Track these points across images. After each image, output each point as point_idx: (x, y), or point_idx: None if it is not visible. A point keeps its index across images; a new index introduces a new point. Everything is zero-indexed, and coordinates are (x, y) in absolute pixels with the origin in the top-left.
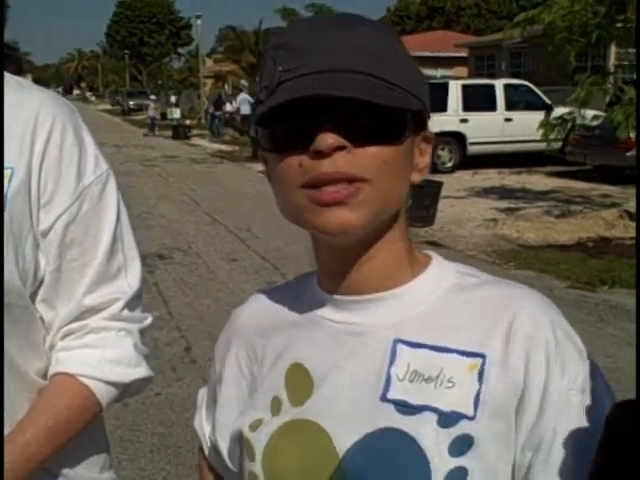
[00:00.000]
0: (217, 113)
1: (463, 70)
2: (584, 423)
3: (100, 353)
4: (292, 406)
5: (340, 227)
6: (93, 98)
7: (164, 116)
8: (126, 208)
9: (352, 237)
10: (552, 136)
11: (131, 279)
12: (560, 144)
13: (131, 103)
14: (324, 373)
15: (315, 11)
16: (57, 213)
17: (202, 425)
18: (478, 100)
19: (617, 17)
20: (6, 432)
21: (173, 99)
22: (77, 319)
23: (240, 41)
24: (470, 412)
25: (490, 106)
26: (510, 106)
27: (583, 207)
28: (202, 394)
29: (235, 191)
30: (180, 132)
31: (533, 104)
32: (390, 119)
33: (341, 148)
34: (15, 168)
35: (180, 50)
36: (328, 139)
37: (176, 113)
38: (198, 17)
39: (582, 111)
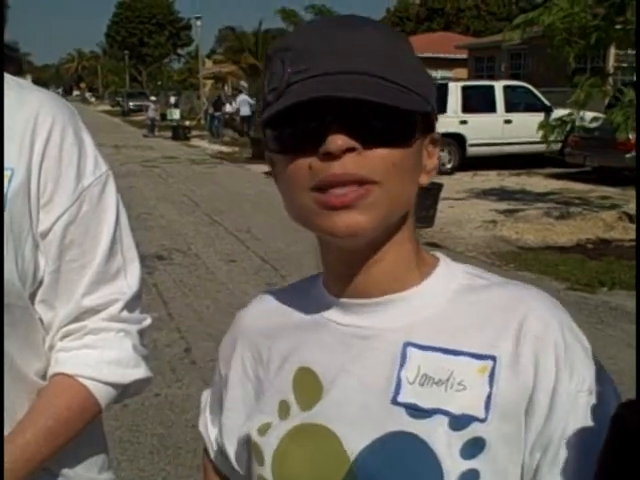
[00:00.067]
0: (217, 114)
1: (463, 72)
2: (592, 424)
3: (99, 354)
4: (301, 410)
5: (349, 230)
6: (93, 99)
7: (164, 117)
8: (125, 209)
9: (361, 240)
10: (551, 138)
11: (130, 280)
12: (559, 146)
13: (131, 104)
14: (333, 377)
15: (315, 12)
16: (57, 214)
17: (207, 427)
18: (478, 102)
19: (616, 19)
20: (6, 433)
21: (173, 100)
22: (76, 320)
23: (240, 42)
24: (481, 415)
25: (490, 108)
26: (510, 108)
27: (582, 209)
28: (205, 396)
29: (235, 192)
30: (180, 133)
31: (533, 106)
32: (399, 121)
33: (351, 150)
34: (15, 169)
35: (180, 51)
36: (338, 141)
37: (176, 114)
38: (198, 18)
39: (581, 113)
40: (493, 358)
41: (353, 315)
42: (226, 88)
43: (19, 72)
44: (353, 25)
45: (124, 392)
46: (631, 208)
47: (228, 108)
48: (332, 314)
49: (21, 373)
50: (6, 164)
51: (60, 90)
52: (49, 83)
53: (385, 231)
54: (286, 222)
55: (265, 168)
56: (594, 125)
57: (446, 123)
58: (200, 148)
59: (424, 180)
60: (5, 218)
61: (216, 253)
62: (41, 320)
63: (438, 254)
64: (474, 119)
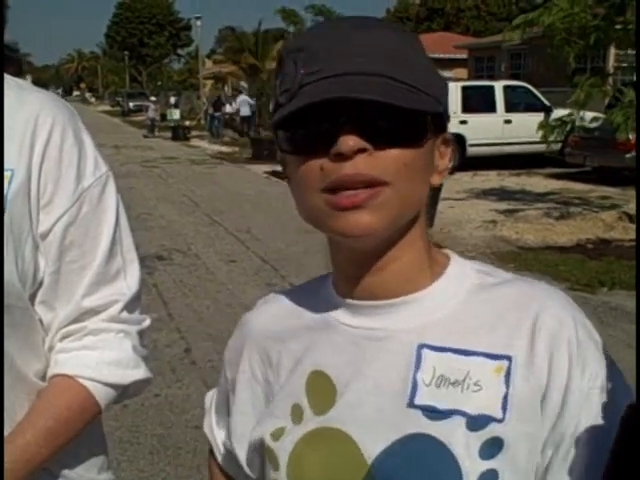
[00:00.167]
0: (217, 114)
1: (463, 72)
2: (604, 422)
3: (99, 355)
4: (315, 414)
5: (359, 230)
6: (93, 99)
7: (164, 117)
8: (125, 209)
9: (372, 241)
10: (551, 138)
11: (130, 281)
12: (559, 146)
13: (131, 104)
14: (347, 380)
15: (315, 12)
16: (57, 215)
17: (212, 429)
18: (478, 102)
19: (616, 19)
20: (5, 433)
21: (173, 100)
22: (76, 321)
23: (239, 42)
24: (499, 415)
25: (490, 108)
26: (510, 108)
27: (582, 209)
28: (210, 398)
29: (235, 192)
30: (180, 133)
31: (533, 106)
32: (410, 121)
33: (362, 151)
34: (15, 170)
35: (180, 51)
36: (349, 141)
37: (176, 114)
38: (198, 18)
39: (581, 113)
40: (509, 358)
41: (363, 317)
42: (226, 88)
43: (19, 73)
44: (365, 26)
45: (124, 393)
46: (631, 208)
47: (228, 108)
48: (343, 316)
49: (21, 374)
50: (6, 165)
51: (60, 90)
52: (49, 83)
53: (397, 232)
54: (286, 222)
55: (265, 168)
56: (594, 125)
57: None
58: (200, 148)
59: (436, 180)
60: (5, 219)
61: (216, 253)
62: (41, 321)
63: (448, 252)
64: (474, 119)
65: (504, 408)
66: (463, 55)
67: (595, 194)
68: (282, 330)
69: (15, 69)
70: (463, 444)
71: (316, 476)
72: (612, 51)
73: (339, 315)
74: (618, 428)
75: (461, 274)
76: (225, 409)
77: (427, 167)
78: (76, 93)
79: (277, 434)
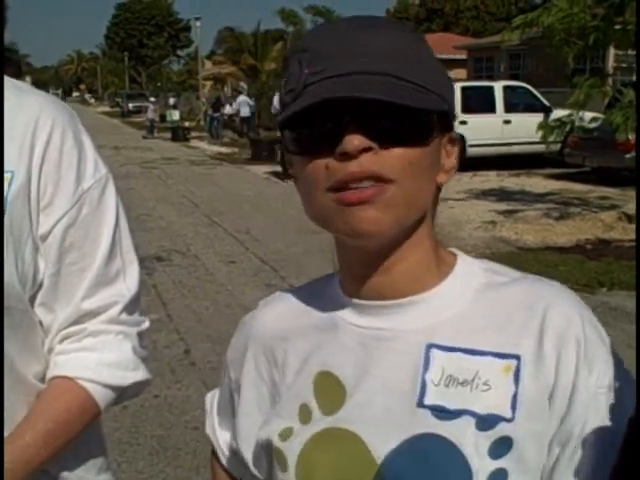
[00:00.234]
0: (216, 115)
1: (462, 72)
2: (611, 421)
3: (98, 356)
4: (323, 415)
5: (366, 226)
6: (92, 100)
7: (163, 118)
8: (125, 210)
9: (378, 240)
10: (551, 138)
11: (129, 282)
12: (559, 146)
13: (130, 105)
14: (356, 380)
15: (314, 13)
16: (57, 217)
17: (215, 430)
18: (477, 102)
19: (615, 19)
20: (5, 435)
21: (172, 101)
22: (76, 323)
23: (239, 43)
24: (508, 414)
25: (489, 108)
26: (509, 108)
27: (582, 209)
28: (210, 399)
29: (234, 193)
30: (179, 134)
31: (532, 106)
32: (415, 120)
33: (367, 150)
34: (15, 171)
35: (179, 52)
36: (354, 141)
37: (175, 115)
38: (197, 19)
39: (581, 113)
40: (517, 357)
41: (370, 317)
42: (225, 89)
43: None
44: (370, 25)
45: (123, 394)
46: (630, 208)
47: (227, 109)
48: (350, 316)
49: (20, 375)
50: (6, 167)
51: (59, 91)
52: (48, 84)
53: (403, 231)
54: (285, 223)
55: (265, 169)
56: (593, 125)
57: None
58: (199, 149)
59: (442, 179)
60: (5, 221)
61: (215, 254)
62: (40, 323)
63: (455, 251)
64: (473, 120)
65: (513, 407)
66: (462, 55)
67: (594, 194)
68: (288, 330)
69: (14, 70)
70: (472, 444)
71: (325, 476)
72: (611, 51)
73: (346, 315)
74: (625, 429)
75: (469, 273)
76: (229, 410)
77: (433, 166)
78: (75, 94)
79: (285, 435)
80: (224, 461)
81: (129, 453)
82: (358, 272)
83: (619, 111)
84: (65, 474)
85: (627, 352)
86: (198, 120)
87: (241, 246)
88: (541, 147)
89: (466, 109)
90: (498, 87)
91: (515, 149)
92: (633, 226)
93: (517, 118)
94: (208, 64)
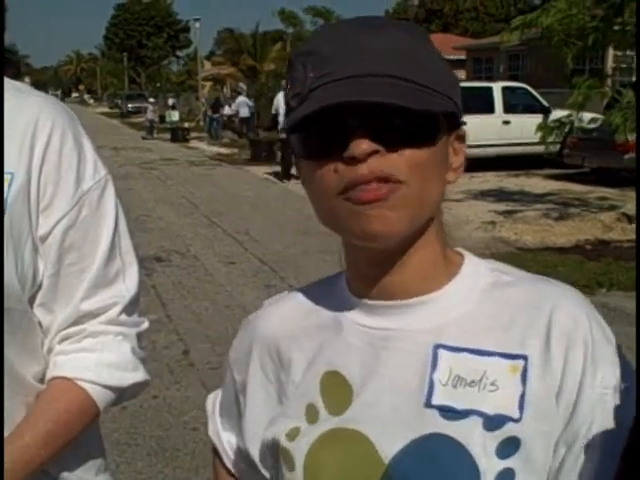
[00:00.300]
0: (215, 116)
1: (461, 73)
2: (617, 423)
3: (97, 357)
4: (330, 414)
5: (382, 229)
6: (91, 101)
7: (162, 119)
8: (124, 211)
9: (392, 240)
10: (550, 139)
11: (129, 283)
12: (558, 147)
13: (129, 106)
14: (363, 380)
15: (314, 14)
16: (56, 218)
17: (218, 432)
18: (476, 103)
19: (614, 20)
20: (5, 435)
21: (171, 102)
22: (75, 323)
23: (238, 44)
24: (515, 414)
25: (488, 109)
26: (508, 109)
27: (581, 210)
28: (212, 401)
29: (233, 194)
30: (178, 135)
31: (531, 107)
32: (421, 121)
33: (375, 152)
34: (15, 173)
35: (178, 53)
36: (362, 145)
37: (174, 116)
38: (197, 20)
39: (580, 114)
40: (524, 357)
41: (378, 317)
42: (225, 90)
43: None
44: (374, 27)
45: (122, 395)
46: (630, 209)
47: (227, 110)
48: (357, 316)
49: (20, 376)
50: (6, 168)
51: (59, 92)
52: (48, 85)
53: (414, 231)
54: (284, 224)
55: (264, 170)
56: (592, 126)
57: None
58: (199, 150)
59: (451, 177)
60: (5, 222)
61: (215, 255)
62: (40, 324)
63: (462, 251)
64: (472, 120)
65: (521, 407)
66: (461, 56)
67: (594, 195)
68: (294, 329)
69: (13, 71)
70: (480, 444)
71: (332, 476)
72: (610, 52)
73: (354, 315)
74: (629, 433)
75: (475, 273)
76: (234, 411)
77: (441, 165)
78: (75, 95)
79: (292, 434)
80: (228, 463)
81: (128, 454)
82: (366, 272)
83: (618, 112)
84: (65, 474)
85: (627, 353)
86: (197, 121)
87: (240, 247)
88: (540, 148)
89: (465, 109)
90: (497, 88)
91: (514, 150)
92: (632, 227)
93: (516, 119)
94: (207, 65)
